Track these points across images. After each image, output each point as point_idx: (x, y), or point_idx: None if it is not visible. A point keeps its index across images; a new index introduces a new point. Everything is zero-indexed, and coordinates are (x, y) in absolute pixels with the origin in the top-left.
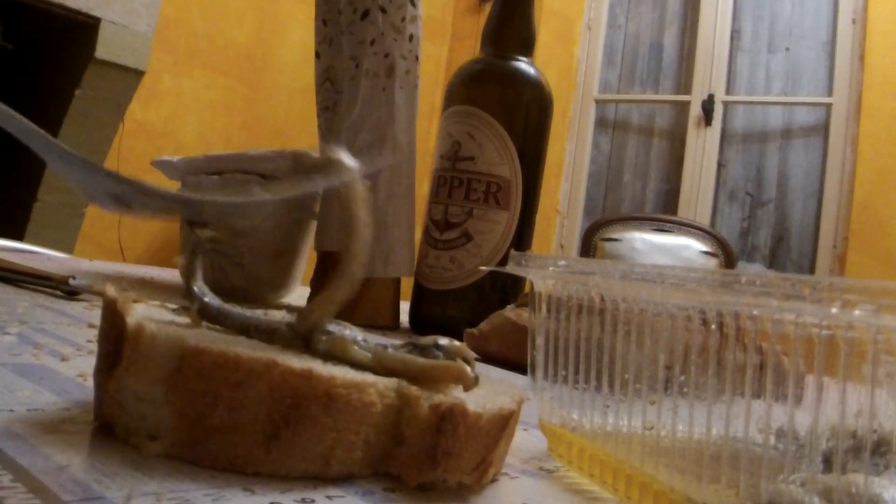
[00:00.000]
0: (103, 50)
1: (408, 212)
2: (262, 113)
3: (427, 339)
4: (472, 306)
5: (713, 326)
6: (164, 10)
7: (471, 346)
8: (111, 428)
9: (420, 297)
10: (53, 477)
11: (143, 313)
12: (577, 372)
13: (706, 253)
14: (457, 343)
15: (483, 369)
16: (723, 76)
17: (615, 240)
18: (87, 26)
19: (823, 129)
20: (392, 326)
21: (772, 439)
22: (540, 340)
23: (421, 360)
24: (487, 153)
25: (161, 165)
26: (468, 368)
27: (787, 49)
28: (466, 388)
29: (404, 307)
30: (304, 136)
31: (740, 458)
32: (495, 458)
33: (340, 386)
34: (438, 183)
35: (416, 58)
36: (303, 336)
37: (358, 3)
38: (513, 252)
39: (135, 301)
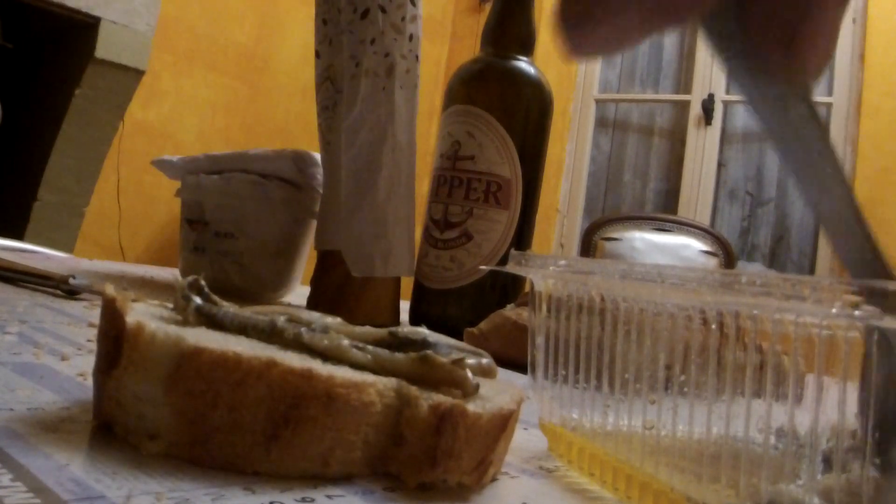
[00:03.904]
0: (103, 50)
1: (408, 211)
2: (262, 113)
3: (411, 331)
4: (472, 306)
5: (713, 326)
6: (164, 10)
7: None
8: (111, 427)
9: (420, 296)
10: (53, 476)
11: (143, 313)
12: (577, 372)
13: (706, 252)
14: (459, 347)
15: None
16: (723, 76)
17: (615, 239)
18: (87, 26)
19: None
20: (392, 326)
21: (772, 439)
22: (540, 340)
23: (420, 364)
24: (487, 153)
25: (161, 165)
26: (469, 375)
27: None
28: (466, 395)
29: (404, 307)
30: (304, 136)
31: (740, 458)
32: (495, 458)
33: (340, 386)
34: (438, 182)
35: (416, 57)
36: (297, 334)
37: (358, 3)
38: (513, 251)
39: (134, 301)
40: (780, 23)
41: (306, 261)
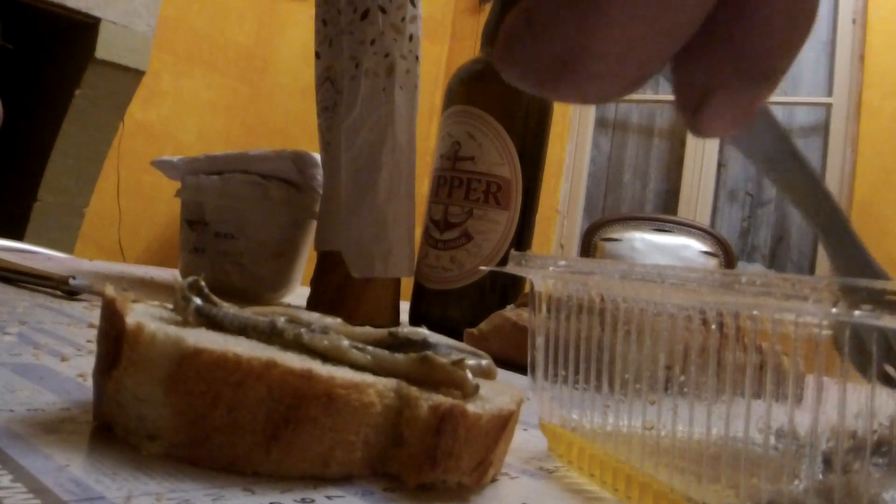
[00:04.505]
0: (103, 50)
1: (408, 212)
2: (262, 113)
3: (411, 332)
4: (472, 306)
5: (713, 326)
6: (164, 10)
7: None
8: (111, 428)
9: (420, 297)
10: (53, 477)
11: (143, 313)
12: (577, 372)
13: (706, 253)
14: (459, 348)
15: None
16: None
17: (615, 240)
18: (87, 26)
19: (823, 129)
20: (392, 327)
21: (772, 439)
22: (540, 340)
23: (420, 365)
24: (487, 153)
25: (161, 165)
26: (469, 376)
27: None
28: (466, 396)
29: (404, 307)
30: (304, 136)
31: (740, 458)
32: (495, 459)
33: (340, 386)
34: (438, 183)
35: (416, 58)
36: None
37: (358, 3)
38: (513, 252)
39: (134, 301)
40: (686, 91)
41: (306, 261)
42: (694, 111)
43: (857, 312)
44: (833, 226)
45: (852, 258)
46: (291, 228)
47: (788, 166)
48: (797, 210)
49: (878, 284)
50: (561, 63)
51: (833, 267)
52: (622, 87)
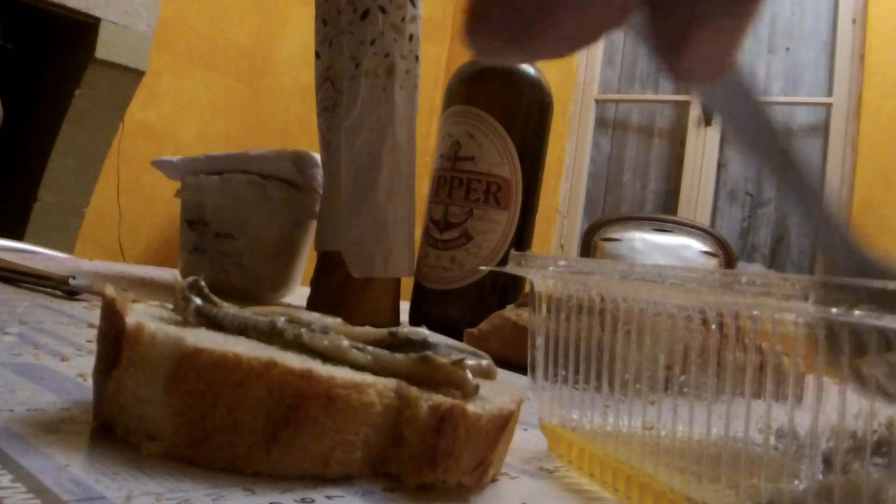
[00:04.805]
0: (103, 50)
1: (408, 212)
2: (262, 113)
3: (411, 332)
4: (472, 306)
5: (713, 326)
6: (164, 10)
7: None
8: (111, 428)
9: (420, 297)
10: (53, 477)
11: (143, 313)
12: (577, 372)
13: (706, 253)
14: (459, 348)
15: None
16: None
17: (615, 240)
18: (87, 26)
19: (823, 129)
20: (392, 327)
21: (772, 439)
22: (540, 340)
23: (420, 365)
24: (487, 153)
25: (161, 165)
26: (469, 376)
27: (787, 49)
28: (466, 396)
29: (404, 307)
30: (304, 136)
31: (740, 458)
32: (495, 459)
33: (340, 386)
34: (438, 183)
35: (416, 58)
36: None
37: (358, 3)
38: (513, 252)
39: (134, 301)
40: (667, 30)
41: (306, 262)
42: (675, 51)
43: (856, 312)
44: (817, 208)
45: (843, 249)
46: (291, 228)
47: (781, 160)
48: (786, 199)
49: (878, 284)
50: (524, 29)
51: (824, 259)
52: (591, 39)
